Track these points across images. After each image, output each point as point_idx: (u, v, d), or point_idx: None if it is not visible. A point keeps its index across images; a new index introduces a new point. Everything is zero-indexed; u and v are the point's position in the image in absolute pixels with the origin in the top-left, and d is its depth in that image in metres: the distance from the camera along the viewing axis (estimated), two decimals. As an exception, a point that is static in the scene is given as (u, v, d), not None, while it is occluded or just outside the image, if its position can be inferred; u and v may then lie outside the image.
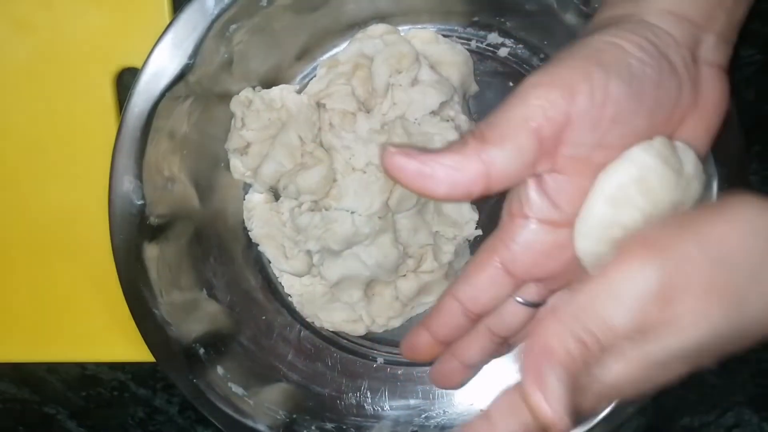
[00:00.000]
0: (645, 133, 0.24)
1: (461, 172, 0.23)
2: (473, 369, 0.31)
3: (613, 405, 0.36)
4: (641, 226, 0.24)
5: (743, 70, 0.39)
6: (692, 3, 0.24)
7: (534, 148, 0.23)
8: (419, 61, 0.35)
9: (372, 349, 0.41)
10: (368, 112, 0.36)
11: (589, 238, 0.25)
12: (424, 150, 0.24)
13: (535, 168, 0.24)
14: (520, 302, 0.28)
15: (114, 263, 0.35)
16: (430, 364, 0.40)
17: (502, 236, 0.27)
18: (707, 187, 0.34)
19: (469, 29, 0.38)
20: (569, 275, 0.27)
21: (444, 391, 0.40)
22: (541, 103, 0.23)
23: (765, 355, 0.43)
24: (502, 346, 0.31)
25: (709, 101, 0.25)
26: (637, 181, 0.24)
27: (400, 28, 0.37)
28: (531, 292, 0.28)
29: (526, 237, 0.26)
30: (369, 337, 0.40)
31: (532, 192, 0.25)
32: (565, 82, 0.23)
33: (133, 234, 0.34)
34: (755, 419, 0.44)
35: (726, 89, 0.26)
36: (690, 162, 0.25)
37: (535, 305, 0.29)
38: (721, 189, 0.34)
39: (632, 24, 0.24)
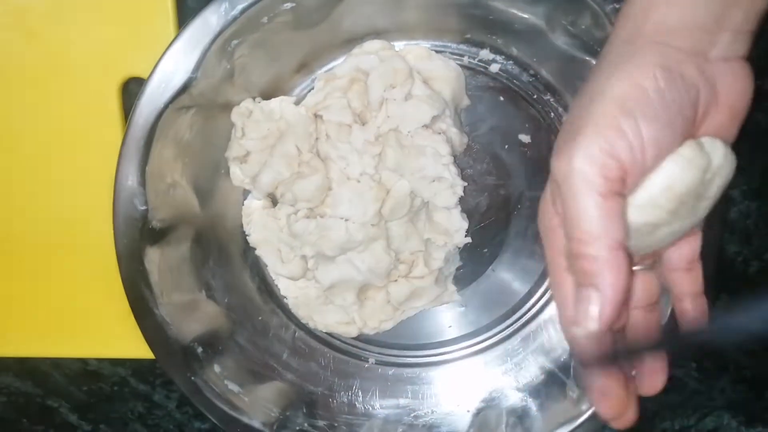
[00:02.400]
0: (679, 143, 0.26)
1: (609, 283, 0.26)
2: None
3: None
4: (665, 221, 0.27)
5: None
6: (700, 10, 0.25)
7: (621, 201, 0.26)
8: (413, 77, 0.36)
9: (364, 350, 0.42)
10: (363, 125, 0.37)
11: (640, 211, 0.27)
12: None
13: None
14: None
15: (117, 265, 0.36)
16: (420, 363, 0.42)
17: (555, 285, 0.29)
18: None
19: (461, 46, 0.39)
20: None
21: (432, 391, 0.41)
22: (598, 173, 0.25)
23: (744, 362, 0.44)
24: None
25: (730, 92, 0.26)
26: (666, 189, 0.26)
27: (395, 44, 0.39)
28: None
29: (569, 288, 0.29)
30: (361, 338, 0.42)
31: None
32: (603, 145, 0.25)
33: (136, 238, 0.35)
34: (734, 423, 0.46)
35: (746, 76, 0.27)
36: (718, 153, 0.27)
37: None
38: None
39: (641, 54, 0.26)
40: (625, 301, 0.27)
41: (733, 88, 0.26)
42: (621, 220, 0.25)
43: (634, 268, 0.30)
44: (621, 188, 0.25)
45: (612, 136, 0.25)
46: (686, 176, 0.26)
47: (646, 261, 0.31)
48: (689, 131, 0.26)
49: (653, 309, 0.32)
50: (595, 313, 0.26)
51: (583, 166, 0.25)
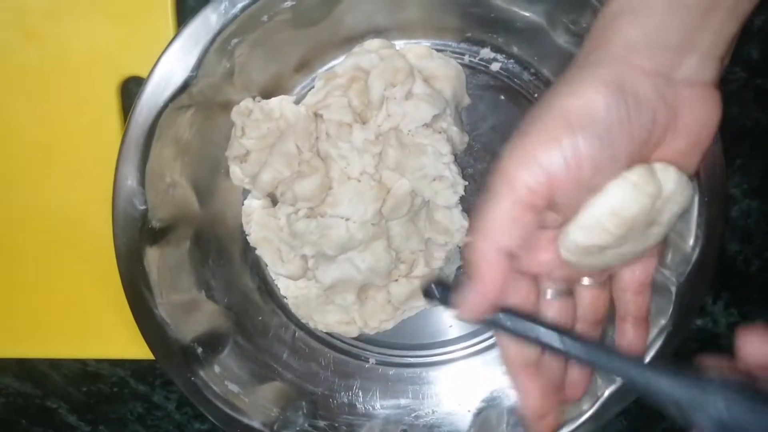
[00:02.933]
0: (627, 164, 0.26)
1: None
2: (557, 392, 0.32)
3: (597, 405, 0.37)
4: (613, 244, 0.27)
5: (726, 87, 0.40)
6: (669, 31, 0.25)
7: (532, 217, 0.26)
8: (413, 76, 0.36)
9: (364, 350, 0.42)
10: (364, 124, 0.37)
11: (571, 253, 0.28)
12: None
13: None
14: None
15: (116, 265, 0.35)
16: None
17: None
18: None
19: (462, 44, 0.39)
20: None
21: (433, 391, 0.41)
22: (525, 181, 0.25)
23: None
24: None
25: (693, 118, 0.26)
26: (611, 214, 0.26)
27: (395, 43, 0.39)
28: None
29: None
30: (362, 338, 0.42)
31: None
32: (539, 155, 0.25)
33: (135, 237, 0.35)
34: (735, 423, 0.46)
35: (713, 103, 0.26)
36: (670, 180, 0.27)
37: (565, 293, 0.31)
38: (701, 201, 0.35)
39: (598, 70, 0.25)
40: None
41: (697, 114, 0.26)
42: (522, 233, 0.26)
43: (585, 282, 0.31)
44: (542, 203, 0.26)
45: (550, 149, 0.25)
46: (632, 202, 0.26)
47: (597, 277, 0.31)
48: (639, 153, 0.26)
49: (596, 328, 0.32)
50: (464, 300, 0.27)
51: (513, 170, 0.26)
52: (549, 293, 0.30)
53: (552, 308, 0.31)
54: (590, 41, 0.27)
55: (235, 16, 0.33)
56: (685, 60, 0.25)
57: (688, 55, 0.25)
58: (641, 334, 0.32)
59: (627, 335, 0.32)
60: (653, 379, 0.25)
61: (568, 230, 0.27)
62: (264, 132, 0.37)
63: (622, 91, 0.25)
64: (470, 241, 0.27)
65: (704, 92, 0.26)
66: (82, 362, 0.45)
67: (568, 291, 0.31)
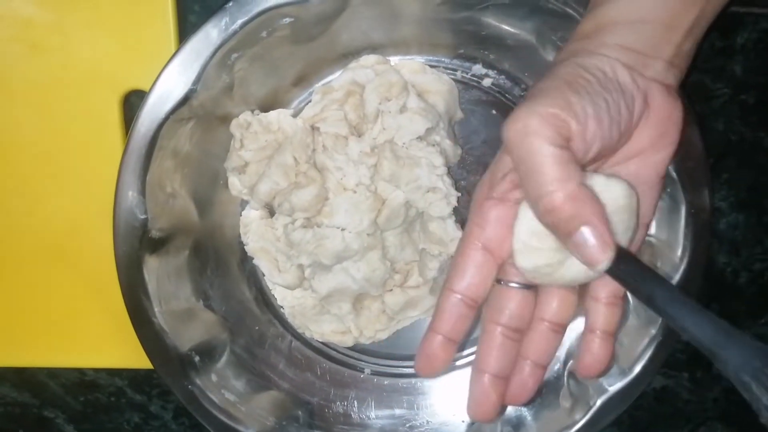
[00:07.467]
0: (616, 136, 0.28)
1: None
2: (504, 380, 0.32)
3: (589, 415, 0.37)
4: (561, 246, 0.28)
5: (712, 103, 0.41)
6: (638, 39, 0.29)
7: (577, 164, 0.27)
8: (407, 90, 0.37)
9: (359, 360, 0.42)
10: (359, 136, 0.37)
11: (523, 256, 0.29)
12: None
13: None
14: (514, 286, 0.31)
15: (116, 273, 0.36)
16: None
17: (475, 221, 0.31)
18: (675, 210, 0.36)
19: (455, 60, 0.40)
20: None
21: (427, 401, 0.42)
22: (553, 123, 0.27)
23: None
24: (519, 344, 0.32)
25: (660, 109, 0.29)
26: (531, 232, 0.29)
27: (390, 59, 0.39)
28: (516, 274, 0.31)
29: (494, 214, 0.30)
30: (357, 348, 0.42)
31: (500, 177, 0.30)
32: (557, 109, 0.27)
33: (135, 246, 0.36)
34: (726, 434, 0.46)
35: (676, 102, 0.30)
36: (620, 195, 0.29)
37: (527, 287, 0.31)
38: (688, 213, 0.36)
39: (584, 57, 0.28)
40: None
41: (664, 103, 0.29)
42: (576, 165, 0.27)
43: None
44: (569, 146, 0.27)
45: (562, 104, 0.27)
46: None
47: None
48: (626, 131, 0.29)
49: (558, 331, 0.32)
50: (600, 242, 0.26)
51: (537, 123, 0.27)
52: (513, 284, 0.31)
53: (515, 298, 0.31)
54: (571, 46, 0.30)
55: (235, 32, 0.34)
56: (653, 63, 0.29)
57: (654, 60, 0.29)
58: (607, 350, 0.31)
59: (592, 349, 0.31)
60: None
61: (516, 233, 0.29)
62: (262, 144, 0.38)
63: (606, 75, 0.28)
64: (550, 208, 0.27)
65: (669, 91, 0.29)
66: (81, 371, 0.46)
67: (530, 285, 0.31)
